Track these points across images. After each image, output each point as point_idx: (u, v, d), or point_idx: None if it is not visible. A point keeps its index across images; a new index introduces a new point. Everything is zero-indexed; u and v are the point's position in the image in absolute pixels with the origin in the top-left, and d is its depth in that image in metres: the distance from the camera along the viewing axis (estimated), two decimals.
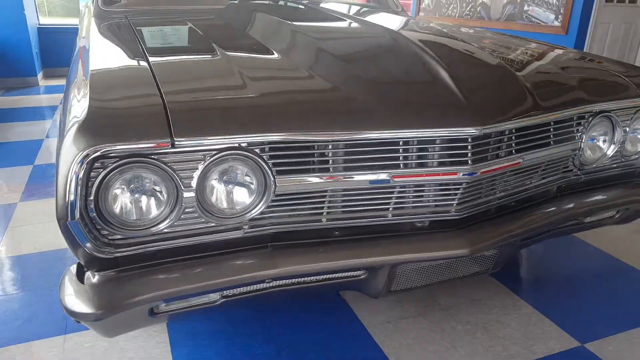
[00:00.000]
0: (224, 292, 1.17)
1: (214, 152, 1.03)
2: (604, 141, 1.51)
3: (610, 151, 1.51)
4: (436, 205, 1.25)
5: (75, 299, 1.02)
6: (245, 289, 1.18)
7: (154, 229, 1.04)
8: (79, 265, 1.08)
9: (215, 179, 1.06)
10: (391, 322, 1.67)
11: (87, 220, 0.97)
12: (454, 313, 1.72)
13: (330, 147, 1.12)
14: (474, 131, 1.14)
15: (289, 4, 2.22)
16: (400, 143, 1.15)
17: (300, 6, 2.11)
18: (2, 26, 5.43)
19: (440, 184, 1.22)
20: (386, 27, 1.60)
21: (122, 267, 1.06)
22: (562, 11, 5.64)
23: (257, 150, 1.07)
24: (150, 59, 1.31)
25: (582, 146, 1.43)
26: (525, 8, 6.17)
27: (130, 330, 1.17)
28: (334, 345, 1.56)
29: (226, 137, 1.02)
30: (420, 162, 1.18)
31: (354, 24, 1.70)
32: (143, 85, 1.12)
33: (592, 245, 2.20)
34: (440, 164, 1.19)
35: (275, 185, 1.09)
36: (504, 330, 1.64)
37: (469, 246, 1.22)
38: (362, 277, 1.25)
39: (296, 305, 1.74)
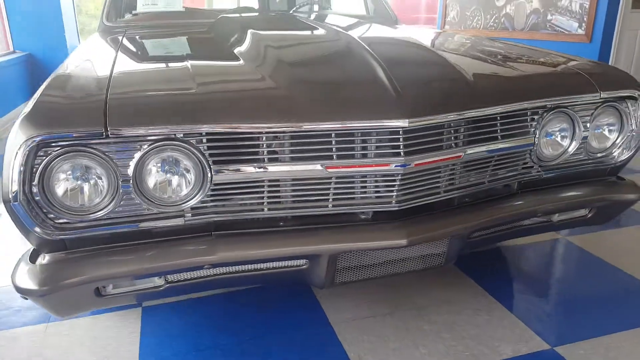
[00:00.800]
0: (168, 277, 1.24)
1: (150, 142, 1.11)
2: (564, 137, 1.49)
3: (572, 148, 1.49)
4: (377, 197, 1.28)
5: (24, 277, 1.11)
6: (188, 275, 1.24)
7: (97, 214, 1.12)
8: (34, 248, 1.18)
9: (153, 168, 1.14)
10: (357, 320, 1.68)
11: (33, 203, 1.06)
12: (423, 313, 1.71)
13: (264, 138, 1.17)
14: (402, 123, 1.17)
15: (273, 15, 2.31)
16: (333, 135, 1.19)
17: (284, 17, 2.20)
18: (44, 47, 5.84)
19: (379, 176, 1.25)
20: (344, 33, 1.65)
21: (70, 249, 1.15)
22: (585, 19, 5.51)
23: (193, 141, 1.14)
24: (117, 64, 1.41)
25: (536, 142, 1.43)
26: (549, 17, 6.08)
27: (80, 310, 1.25)
28: (297, 340, 1.59)
29: (161, 127, 1.10)
30: (353, 153, 1.22)
31: (317, 32, 1.76)
32: (96, 85, 1.22)
33: (583, 250, 2.14)
34: (376, 155, 1.22)
35: (212, 175, 1.15)
36: (472, 330, 1.63)
37: (406, 237, 1.24)
38: (304, 267, 1.29)
39: (268, 301, 1.79)
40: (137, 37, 1.98)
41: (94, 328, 1.66)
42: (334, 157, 1.21)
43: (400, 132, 1.20)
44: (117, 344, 1.57)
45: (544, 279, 1.92)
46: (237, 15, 2.29)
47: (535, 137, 1.42)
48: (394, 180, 1.25)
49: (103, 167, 1.10)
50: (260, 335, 1.61)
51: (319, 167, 1.19)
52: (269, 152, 1.19)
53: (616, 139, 1.57)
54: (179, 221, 1.18)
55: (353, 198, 1.27)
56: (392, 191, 1.26)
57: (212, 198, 1.20)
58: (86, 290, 1.15)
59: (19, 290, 1.10)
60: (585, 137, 1.49)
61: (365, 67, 1.32)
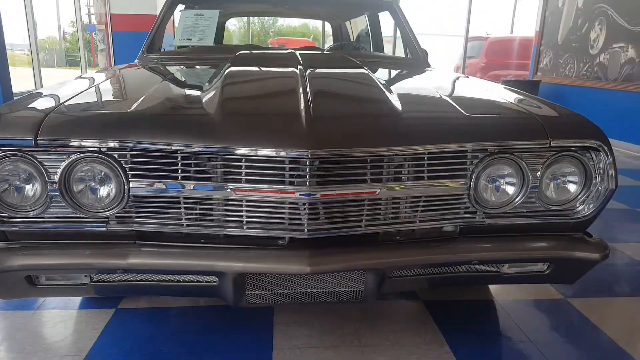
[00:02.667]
0: (92, 276, 1.37)
1: (77, 153, 1.27)
2: (509, 184, 1.42)
3: (519, 197, 1.41)
4: (290, 224, 1.32)
5: None
6: (109, 277, 1.37)
7: (30, 213, 1.30)
8: None
9: (79, 177, 1.29)
10: (301, 348, 1.69)
11: None
12: (368, 351, 1.67)
13: (179, 158, 1.28)
14: (304, 154, 1.22)
15: (282, 53, 2.44)
16: (243, 160, 1.27)
17: (288, 55, 2.33)
18: None
19: (291, 203, 1.29)
20: (296, 71, 1.67)
21: (10, 240, 1.33)
22: None
23: (116, 155, 1.28)
24: (96, 86, 1.63)
25: (472, 186, 1.37)
26: None
27: (18, 295, 1.42)
28: (230, 358, 1.64)
29: (86, 140, 1.26)
30: (261, 179, 1.27)
31: (284, 69, 1.79)
32: (53, 100, 1.42)
33: (583, 318, 1.94)
34: (284, 183, 1.27)
35: (129, 188, 1.28)
36: None
37: (309, 265, 1.26)
38: (214, 283, 1.36)
39: (228, 320, 1.86)
40: (153, 66, 2.23)
41: (65, 318, 1.85)
42: (243, 180, 1.27)
43: (306, 163, 1.24)
44: (76, 337, 1.74)
45: (517, 342, 1.77)
46: (250, 52, 2.47)
47: (470, 181, 1.37)
48: (303, 209, 1.28)
49: (36, 172, 1.27)
50: (198, 352, 1.67)
51: (227, 189, 1.27)
52: (183, 171, 1.29)
53: (579, 192, 1.45)
54: (102, 227, 1.32)
55: (267, 222, 1.32)
56: (302, 219, 1.30)
57: (135, 209, 1.32)
58: (18, 277, 1.32)
59: None
60: (535, 187, 1.40)
61: (291, 100, 1.39)
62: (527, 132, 1.39)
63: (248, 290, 1.37)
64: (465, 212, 1.43)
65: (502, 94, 1.74)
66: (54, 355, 1.63)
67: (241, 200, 1.30)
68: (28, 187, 1.29)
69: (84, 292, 1.42)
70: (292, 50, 2.28)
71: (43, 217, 1.31)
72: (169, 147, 1.26)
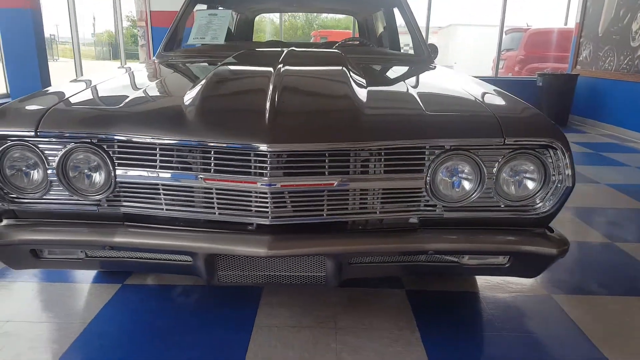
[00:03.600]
0: (87, 252, 1.56)
1: (72, 143, 1.45)
2: (466, 180, 1.49)
3: (476, 192, 1.48)
4: (256, 211, 1.45)
5: None
6: (100, 253, 1.55)
7: (35, 194, 1.50)
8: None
9: (74, 164, 1.48)
10: (280, 327, 1.83)
11: None
12: (342, 334, 1.79)
13: (157, 149, 1.44)
14: (263, 147, 1.34)
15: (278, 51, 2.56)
16: (212, 152, 1.41)
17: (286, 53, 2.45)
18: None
19: (257, 192, 1.42)
20: (269, 69, 1.78)
21: (19, 218, 1.54)
22: None
23: (105, 146, 1.46)
24: (104, 83, 1.82)
25: (429, 181, 1.46)
26: None
27: (26, 266, 1.62)
28: (212, 337, 1.78)
29: (80, 132, 1.44)
30: (229, 169, 1.41)
31: (263, 68, 1.90)
32: (59, 96, 1.61)
33: (565, 314, 1.98)
34: (248, 174, 1.40)
35: (115, 175, 1.45)
36: (374, 356, 1.66)
37: (267, 248, 1.39)
38: (189, 262, 1.51)
39: (220, 296, 2.02)
40: (166, 63, 2.41)
41: (76, 291, 2.07)
42: (212, 171, 1.42)
43: (267, 155, 1.37)
44: (83, 307, 1.95)
45: (488, 335, 1.84)
46: (251, 50, 2.60)
47: (427, 176, 1.46)
48: (266, 198, 1.41)
49: (38, 159, 1.46)
50: (190, 327, 1.84)
51: (198, 178, 1.42)
52: (162, 162, 1.45)
53: (537, 189, 1.50)
54: (93, 208, 1.50)
55: (236, 209, 1.46)
56: (267, 207, 1.43)
57: (122, 194, 1.49)
58: (24, 250, 1.52)
59: None
60: (492, 183, 1.47)
61: (259, 98, 1.51)
62: (482, 130, 1.46)
63: (219, 270, 1.51)
64: (425, 205, 1.51)
65: (473, 91, 1.80)
66: (61, 322, 1.84)
67: (211, 189, 1.44)
68: (32, 172, 1.49)
69: (82, 266, 1.61)
70: (292, 49, 2.40)
71: (45, 199, 1.51)
72: (148, 140, 1.42)
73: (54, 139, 1.45)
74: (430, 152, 1.46)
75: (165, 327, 1.83)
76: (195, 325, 1.85)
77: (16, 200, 1.51)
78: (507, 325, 1.88)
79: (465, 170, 1.49)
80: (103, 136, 1.44)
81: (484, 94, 1.79)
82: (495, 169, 1.47)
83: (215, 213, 1.47)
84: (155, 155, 1.45)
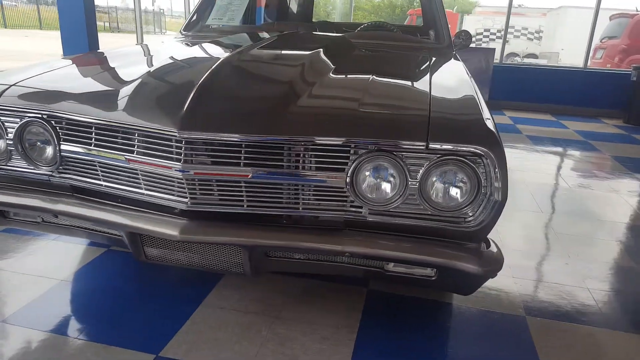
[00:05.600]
0: (42, 217, 1.70)
1: (25, 118, 1.58)
2: (388, 183, 1.40)
3: (398, 197, 1.40)
4: (178, 195, 1.49)
5: None
6: (51, 219, 1.69)
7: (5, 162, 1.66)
8: None
9: (28, 138, 1.61)
10: (225, 309, 1.88)
11: None
12: (278, 324, 1.80)
13: (93, 128, 1.52)
14: (175, 134, 1.37)
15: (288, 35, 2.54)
16: (136, 134, 1.46)
17: (288, 37, 2.43)
18: None
19: (176, 177, 1.46)
20: (227, 54, 1.81)
21: None
22: None
23: (52, 122, 1.57)
24: (83, 62, 1.95)
25: (350, 181, 1.40)
26: None
27: None
28: (163, 304, 1.89)
29: (31, 108, 1.56)
30: (150, 152, 1.45)
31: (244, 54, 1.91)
32: (25, 75, 1.74)
33: (524, 336, 1.82)
34: (164, 158, 1.43)
35: (60, 150, 1.56)
36: (298, 351, 1.66)
37: (179, 232, 1.43)
38: (120, 237, 1.60)
39: (186, 272, 2.11)
40: (177, 43, 2.52)
41: (67, 249, 2.27)
42: (135, 152, 1.47)
43: (181, 142, 1.39)
44: (68, 265, 2.14)
45: (432, 348, 1.74)
46: (250, 32, 2.62)
47: (347, 176, 1.40)
48: (183, 183, 1.44)
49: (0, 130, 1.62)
50: (152, 294, 1.95)
51: (122, 157, 1.48)
52: (97, 140, 1.53)
53: (468, 201, 1.38)
54: (45, 178, 1.63)
55: (160, 192, 1.50)
56: (184, 192, 1.46)
57: (69, 167, 1.60)
58: None
59: None
60: (416, 189, 1.38)
61: (192, 81, 1.53)
62: (407, 133, 1.36)
63: (145, 247, 1.58)
64: (352, 206, 1.45)
65: (440, 89, 1.67)
66: (45, 277, 2.04)
67: (136, 169, 1.50)
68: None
69: (40, 229, 1.76)
70: (291, 32, 2.38)
71: (8, 166, 1.66)
72: (85, 119, 1.51)
73: (11, 113, 1.59)
74: (353, 152, 1.40)
75: (126, 292, 1.96)
76: (151, 294, 1.96)
77: None
78: (459, 341, 1.76)
79: (389, 173, 1.41)
80: (50, 112, 1.55)
81: (447, 93, 1.67)
82: (419, 174, 1.37)
83: (143, 194, 1.53)
84: (91, 133, 1.53)
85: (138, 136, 1.46)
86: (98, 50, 2.59)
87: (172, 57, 1.85)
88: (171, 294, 1.96)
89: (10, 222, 1.78)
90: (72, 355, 1.60)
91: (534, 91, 7.31)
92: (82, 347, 1.64)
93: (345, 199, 1.45)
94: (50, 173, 1.62)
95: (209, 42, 2.28)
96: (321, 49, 2.03)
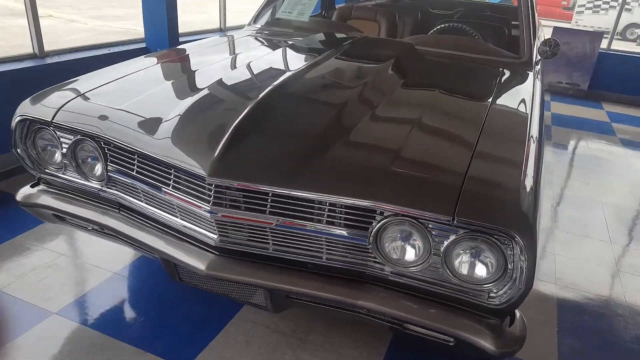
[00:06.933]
0: (92, 226, 1.83)
1: (78, 135, 1.68)
2: (413, 247, 1.35)
3: (421, 263, 1.35)
4: (208, 230, 1.53)
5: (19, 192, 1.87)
6: (99, 227, 1.80)
7: (57, 171, 1.79)
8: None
9: (81, 153, 1.72)
10: (255, 323, 1.95)
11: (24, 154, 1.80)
12: (304, 347, 1.84)
13: (136, 155, 1.59)
14: (204, 176, 1.39)
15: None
16: (172, 170, 1.50)
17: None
18: None
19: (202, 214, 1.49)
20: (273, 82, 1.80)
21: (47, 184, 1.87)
22: None
23: (102, 143, 1.65)
24: (134, 75, 2.04)
25: (373, 240, 1.36)
26: None
27: (53, 222, 1.95)
28: (203, 310, 2.00)
29: (82, 129, 1.65)
30: (183, 188, 1.49)
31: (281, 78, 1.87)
32: (75, 92, 1.83)
33: None
34: (196, 197, 1.47)
35: (107, 170, 1.66)
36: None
37: (205, 267, 1.48)
38: (156, 257, 1.68)
39: None
40: (248, 38, 2.57)
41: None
42: (170, 186, 1.52)
43: (212, 185, 1.42)
44: (115, 257, 2.31)
45: None
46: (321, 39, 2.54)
47: (370, 236, 1.36)
48: (212, 221, 1.48)
49: (56, 143, 1.74)
50: (180, 302, 2.07)
51: (160, 188, 1.54)
52: (139, 167, 1.59)
53: (493, 279, 1.30)
54: (96, 191, 1.74)
55: (193, 224, 1.55)
56: (214, 230, 1.50)
57: (117, 184, 1.69)
58: (49, 213, 1.85)
59: (16, 197, 1.87)
60: (440, 258, 1.32)
61: (227, 120, 1.53)
62: (433, 203, 1.29)
63: (179, 271, 1.66)
64: (375, 262, 1.43)
65: (483, 140, 1.55)
66: (100, 268, 2.23)
67: (172, 202, 1.55)
68: (55, 152, 1.78)
69: (92, 234, 1.90)
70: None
71: (64, 175, 1.79)
72: (128, 147, 1.58)
73: (65, 129, 1.70)
74: (379, 212, 1.35)
75: (167, 297, 2.09)
76: (190, 300, 2.07)
77: (45, 171, 1.82)
78: None
79: (413, 239, 1.35)
80: (97, 135, 1.64)
81: (494, 148, 1.54)
82: (444, 246, 1.30)
83: (178, 223, 1.59)
84: (134, 160, 1.60)
85: (174, 171, 1.51)
86: (171, 50, 2.59)
87: (221, 82, 1.87)
88: (209, 302, 2.06)
89: (66, 223, 1.93)
90: (111, 358, 1.75)
91: None
92: (120, 349, 1.79)
93: (368, 255, 1.42)
94: (100, 187, 1.73)
95: (270, 51, 2.26)
96: (378, 72, 1.94)
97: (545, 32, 5.39)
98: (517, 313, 1.43)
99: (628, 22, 14.35)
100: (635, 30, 14.64)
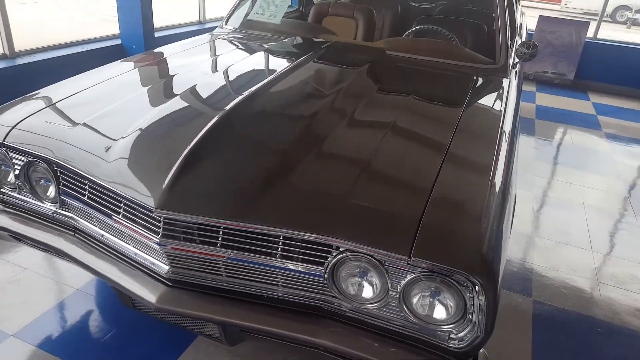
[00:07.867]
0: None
1: (29, 157, 1.61)
2: (369, 285, 1.30)
3: (378, 301, 1.29)
4: (160, 260, 1.47)
5: None
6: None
7: (11, 191, 1.72)
8: None
9: (34, 175, 1.65)
10: (218, 346, 1.90)
11: None
12: None
13: (87, 182, 1.52)
14: (152, 210, 1.33)
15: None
16: (122, 199, 1.43)
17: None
18: None
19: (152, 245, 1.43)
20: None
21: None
22: None
23: (54, 166, 1.58)
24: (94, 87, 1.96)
25: (328, 276, 1.30)
26: None
27: (10, 240, 1.89)
28: (159, 342, 1.95)
29: (33, 151, 1.58)
30: (133, 218, 1.43)
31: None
32: (28, 111, 1.76)
33: None
34: (146, 228, 1.41)
35: (59, 191, 1.58)
36: None
37: (156, 300, 1.41)
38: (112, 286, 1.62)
39: None
40: (214, 41, 2.47)
41: None
42: (120, 214, 1.46)
43: (161, 217, 1.35)
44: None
45: None
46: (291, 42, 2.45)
47: (326, 271, 1.30)
48: (162, 253, 1.42)
49: (8, 164, 1.66)
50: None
51: (112, 218, 1.47)
52: (90, 193, 1.53)
53: (451, 321, 1.25)
54: (49, 212, 1.67)
55: (146, 252, 1.49)
56: (165, 261, 1.44)
57: (70, 208, 1.62)
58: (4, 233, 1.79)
59: None
60: (396, 296, 1.26)
61: (178, 147, 1.46)
62: (389, 242, 1.23)
63: (133, 300, 1.60)
64: (332, 297, 1.37)
65: (446, 168, 1.49)
66: (58, 282, 2.16)
67: (122, 230, 1.48)
68: (9, 173, 1.71)
69: (48, 254, 1.83)
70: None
71: (18, 195, 1.72)
72: (80, 172, 1.50)
73: (17, 151, 1.62)
74: (335, 247, 1.29)
75: (129, 316, 2.04)
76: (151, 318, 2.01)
77: (0, 191, 1.75)
78: None
79: (370, 276, 1.30)
80: (48, 157, 1.56)
81: (458, 178, 1.48)
82: (401, 285, 1.25)
83: (131, 249, 1.52)
84: (85, 185, 1.53)
85: (124, 200, 1.44)
86: (147, 54, 2.50)
87: (185, 94, 1.80)
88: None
89: (24, 243, 1.86)
90: None
91: (630, 74, 6.40)
92: None
93: (325, 289, 1.36)
94: (54, 209, 1.66)
95: (239, 59, 2.19)
96: (344, 85, 1.86)
97: (529, 22, 5.27)
98: (481, 351, 1.38)
99: (618, 4, 14.06)
100: (625, 13, 14.21)
